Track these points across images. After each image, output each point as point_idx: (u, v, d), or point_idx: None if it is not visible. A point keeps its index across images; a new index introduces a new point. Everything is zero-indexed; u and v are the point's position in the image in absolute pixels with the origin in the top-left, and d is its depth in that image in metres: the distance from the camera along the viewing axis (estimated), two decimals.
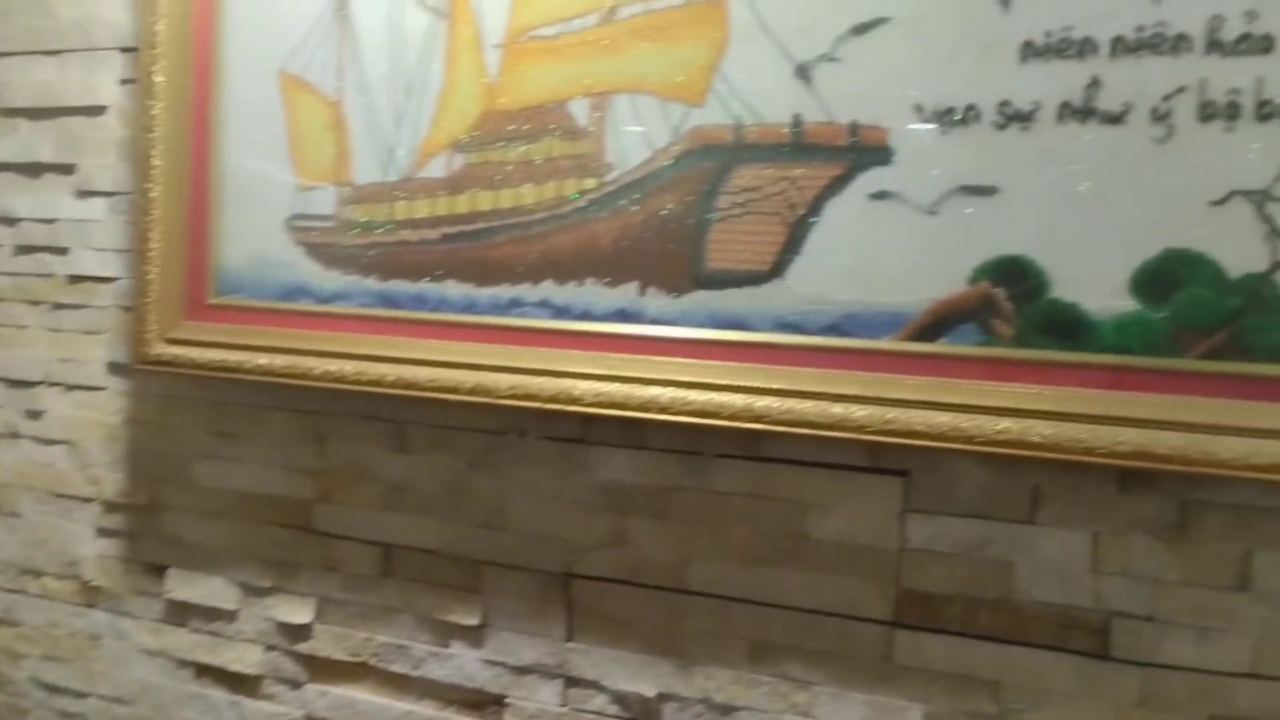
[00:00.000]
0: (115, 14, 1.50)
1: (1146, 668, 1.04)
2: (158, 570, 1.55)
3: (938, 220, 1.06)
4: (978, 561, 1.10)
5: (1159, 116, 0.97)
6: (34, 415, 1.61)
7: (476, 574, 1.34)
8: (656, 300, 1.18)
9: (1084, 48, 0.99)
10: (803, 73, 1.10)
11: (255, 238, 1.39)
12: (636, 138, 1.18)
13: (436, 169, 1.29)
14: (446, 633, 1.37)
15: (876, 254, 1.08)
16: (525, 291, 1.25)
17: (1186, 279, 0.97)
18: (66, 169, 1.55)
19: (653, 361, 1.18)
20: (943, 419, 1.05)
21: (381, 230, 1.33)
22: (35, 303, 1.59)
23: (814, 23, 1.09)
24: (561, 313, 1.23)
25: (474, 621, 1.34)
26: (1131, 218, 0.99)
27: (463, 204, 1.28)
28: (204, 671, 1.53)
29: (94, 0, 1.51)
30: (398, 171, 1.31)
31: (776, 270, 1.13)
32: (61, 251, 1.56)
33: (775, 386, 1.12)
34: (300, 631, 1.46)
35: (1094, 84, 0.99)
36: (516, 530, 1.32)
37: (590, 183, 1.21)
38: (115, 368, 1.55)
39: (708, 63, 1.14)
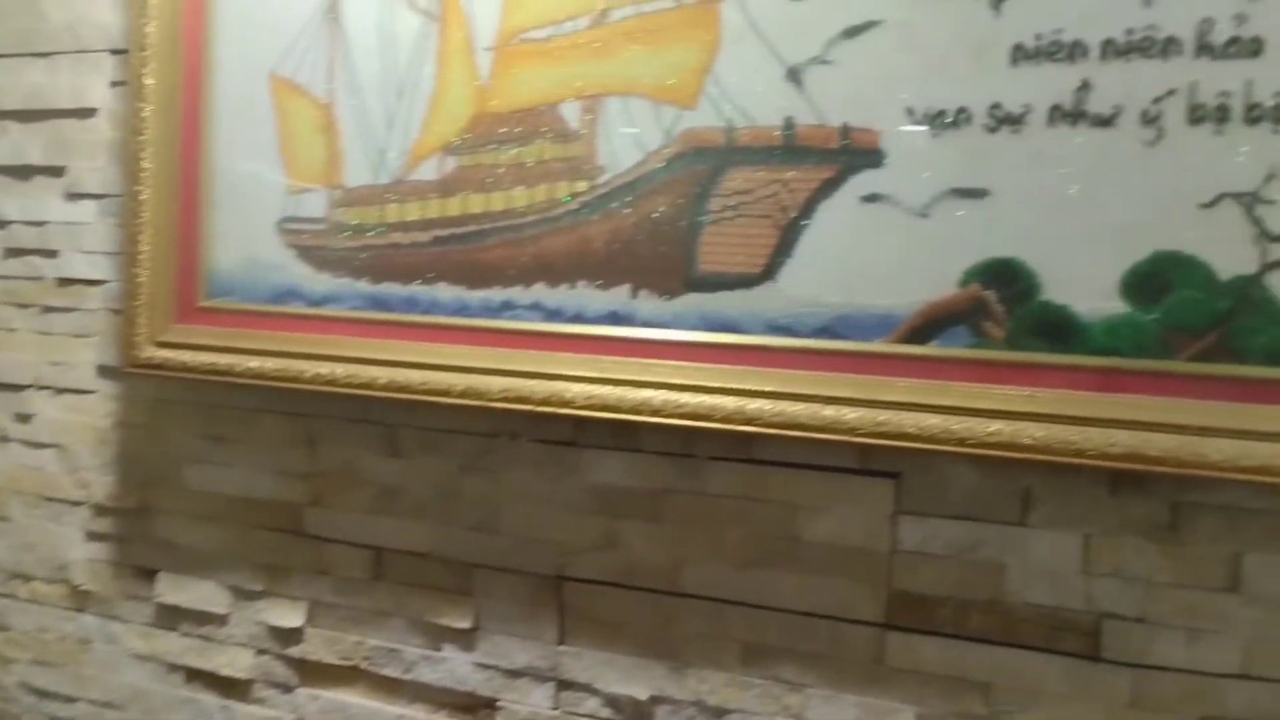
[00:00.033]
0: (105, 16, 1.49)
1: (1137, 669, 1.04)
2: (148, 574, 1.54)
3: (929, 223, 1.06)
4: (969, 563, 1.10)
5: (1149, 119, 0.97)
6: (23, 419, 1.60)
7: (468, 577, 1.34)
8: (648, 303, 1.18)
9: (1074, 51, 0.99)
10: (794, 75, 1.10)
11: (246, 240, 1.39)
12: (628, 140, 1.18)
13: (428, 171, 1.29)
14: (438, 636, 1.37)
15: (868, 256, 1.08)
16: (517, 294, 1.25)
17: (1177, 281, 0.97)
18: (56, 171, 1.54)
19: (645, 364, 1.17)
20: (934, 421, 1.05)
21: (373, 233, 1.32)
22: (24, 306, 1.58)
23: (805, 25, 1.09)
24: (553, 315, 1.23)
25: (466, 625, 1.34)
26: (1122, 220, 0.99)
27: (454, 206, 1.28)
28: (195, 676, 1.52)
29: (84, 2, 1.51)
30: (389, 174, 1.31)
31: (768, 273, 1.13)
32: (51, 254, 1.56)
33: (767, 389, 1.12)
34: (291, 635, 1.45)
35: (1084, 87, 0.99)
36: (508, 533, 1.31)
37: (582, 185, 1.21)
38: (105, 371, 1.54)
39: (699, 65, 1.14)
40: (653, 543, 1.24)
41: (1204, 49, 0.95)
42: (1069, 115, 1.00)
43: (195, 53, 1.39)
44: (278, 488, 1.44)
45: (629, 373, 1.18)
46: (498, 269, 1.25)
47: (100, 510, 1.56)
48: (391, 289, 1.31)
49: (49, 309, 1.57)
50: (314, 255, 1.36)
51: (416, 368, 1.28)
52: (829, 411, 1.09)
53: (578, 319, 1.22)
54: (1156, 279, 0.98)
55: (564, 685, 1.30)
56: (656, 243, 1.17)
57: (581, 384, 1.20)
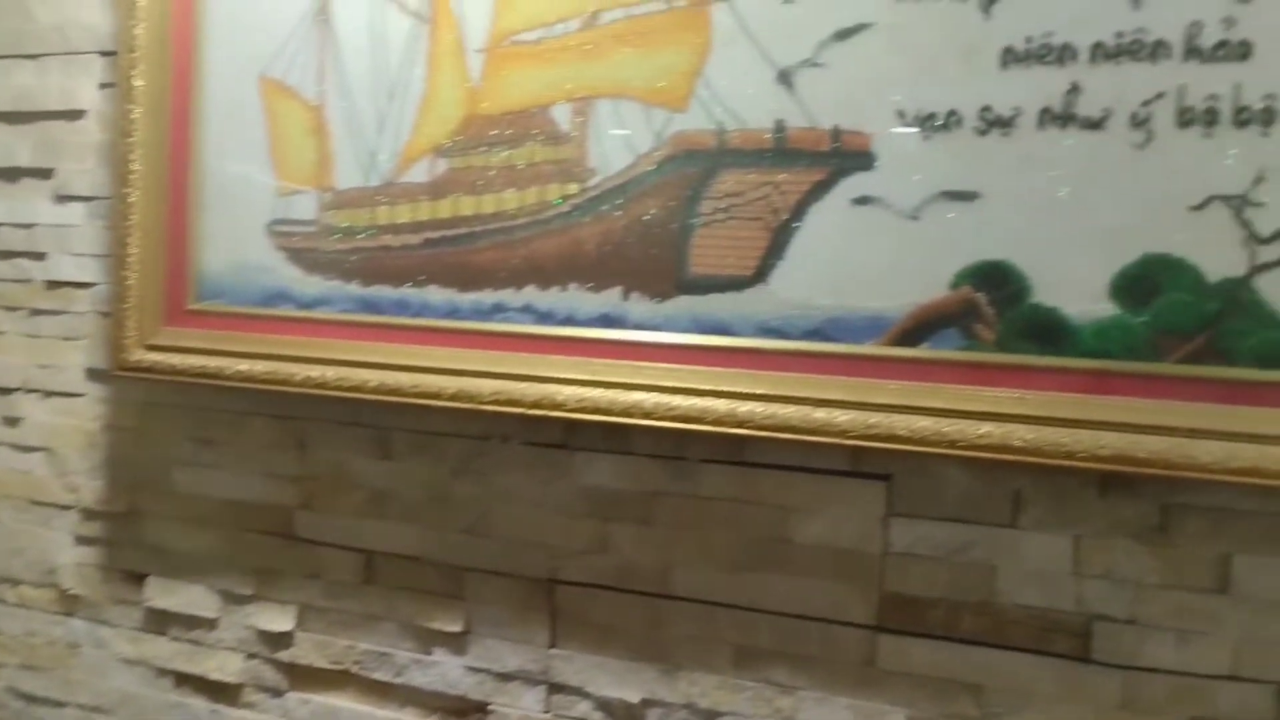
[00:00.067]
0: (94, 18, 1.48)
1: (1128, 670, 1.05)
2: (137, 578, 1.53)
3: (920, 225, 1.06)
4: (960, 565, 1.10)
5: (1138, 122, 0.98)
6: (11, 422, 1.59)
7: (459, 580, 1.34)
8: (640, 305, 1.18)
9: (1064, 54, 1.00)
10: (785, 78, 1.10)
11: (236, 243, 1.38)
12: (619, 143, 1.18)
13: (418, 174, 1.29)
14: (429, 640, 1.36)
15: (859, 259, 1.09)
16: (508, 297, 1.24)
17: (1166, 284, 0.98)
18: (45, 173, 1.54)
19: (636, 367, 1.17)
20: (925, 423, 1.05)
21: (363, 235, 1.32)
22: (12, 308, 1.57)
23: (796, 28, 1.09)
24: (545, 318, 1.23)
25: (457, 628, 1.34)
26: (1111, 223, 0.99)
27: (445, 209, 1.27)
28: (184, 680, 1.51)
29: (73, 4, 1.50)
30: (379, 176, 1.31)
31: (760, 275, 1.13)
32: (39, 257, 1.55)
33: (758, 391, 1.12)
34: (281, 639, 1.44)
35: (1074, 90, 1.00)
36: (499, 536, 1.31)
37: (573, 188, 1.21)
38: (94, 374, 1.53)
39: (690, 68, 1.14)
40: (644, 545, 1.24)
41: (1192, 52, 0.96)
42: (1059, 118, 1.00)
43: (185, 55, 1.39)
44: (268, 491, 1.44)
45: (620, 375, 1.18)
46: (489, 271, 1.25)
47: (89, 514, 1.56)
48: (382, 291, 1.31)
49: (37, 311, 1.56)
50: (304, 258, 1.35)
51: (407, 370, 1.27)
52: (820, 414, 1.09)
53: (569, 321, 1.22)
54: (1146, 281, 0.98)
55: (555, 689, 1.30)
56: (648, 245, 1.17)
57: (573, 387, 1.19)
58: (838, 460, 1.14)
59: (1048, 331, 1.02)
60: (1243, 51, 0.95)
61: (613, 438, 1.23)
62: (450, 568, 1.34)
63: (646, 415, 1.16)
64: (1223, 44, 0.95)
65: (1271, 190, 0.94)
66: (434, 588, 1.35)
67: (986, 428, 1.03)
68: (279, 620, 1.44)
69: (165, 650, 1.52)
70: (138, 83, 1.39)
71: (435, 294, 1.28)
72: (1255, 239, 0.95)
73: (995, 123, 1.03)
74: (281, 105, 1.35)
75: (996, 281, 1.04)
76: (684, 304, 1.16)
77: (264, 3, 1.35)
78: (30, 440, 1.58)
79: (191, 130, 1.39)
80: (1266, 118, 0.94)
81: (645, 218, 1.17)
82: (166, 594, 1.51)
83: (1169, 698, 1.03)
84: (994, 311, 1.04)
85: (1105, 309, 1.00)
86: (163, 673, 1.52)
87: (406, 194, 1.29)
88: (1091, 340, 1.00)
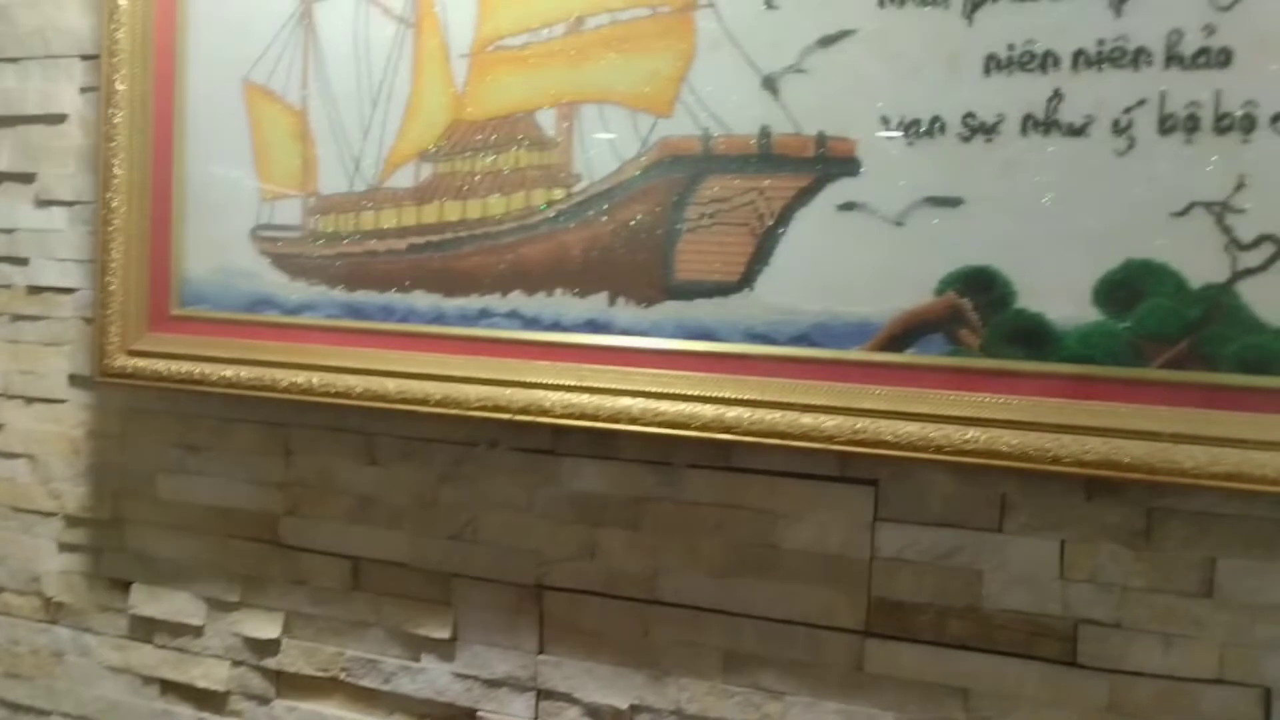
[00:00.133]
0: (76, 21, 1.47)
1: (1114, 674, 1.05)
2: (122, 585, 1.52)
3: (904, 231, 1.06)
4: (947, 570, 1.11)
5: (1120, 129, 0.98)
6: None
7: (447, 587, 1.33)
8: (626, 311, 1.18)
9: (1046, 61, 1.00)
10: (770, 84, 1.10)
11: (219, 248, 1.37)
12: (604, 148, 1.18)
13: (403, 179, 1.28)
14: (417, 646, 1.36)
15: (844, 264, 1.09)
16: (494, 302, 1.24)
17: (1148, 289, 0.98)
18: (26, 178, 1.52)
19: (623, 372, 1.17)
20: (911, 429, 1.05)
21: (348, 240, 1.31)
22: None
23: (780, 35, 1.09)
24: (531, 323, 1.23)
25: (445, 635, 1.33)
26: (1094, 229, 1.00)
27: (430, 214, 1.27)
28: (170, 688, 1.50)
29: (54, 7, 1.49)
30: (364, 181, 1.30)
31: (745, 281, 1.13)
32: (21, 262, 1.54)
33: (745, 397, 1.12)
34: (268, 646, 1.44)
35: (1056, 97, 1.00)
36: (487, 542, 1.31)
37: (558, 193, 1.20)
38: (77, 380, 1.52)
39: (675, 73, 1.14)
40: (632, 551, 1.24)
41: (1174, 59, 0.96)
42: (1041, 125, 1.01)
43: (167, 59, 1.38)
44: (253, 497, 1.43)
45: (607, 381, 1.18)
46: (475, 277, 1.25)
47: (73, 521, 1.54)
48: (367, 297, 1.31)
49: (19, 317, 1.55)
50: (288, 263, 1.35)
51: (393, 376, 1.27)
52: (807, 419, 1.09)
53: (555, 327, 1.21)
54: (1129, 287, 0.99)
55: (544, 695, 1.29)
56: (634, 251, 1.17)
57: (559, 392, 1.19)
58: (825, 465, 1.14)
59: (1032, 337, 1.02)
60: (1223, 59, 0.95)
61: (600, 443, 1.23)
62: (437, 574, 1.34)
63: (634, 421, 1.16)
64: (1203, 51, 0.96)
65: (1252, 196, 0.95)
66: (421, 594, 1.35)
67: (972, 433, 1.04)
68: (265, 627, 1.43)
69: (151, 658, 1.51)
70: (120, 87, 1.38)
71: (421, 299, 1.28)
72: (1237, 245, 0.96)
73: (979, 129, 1.03)
74: (265, 110, 1.35)
75: (981, 287, 1.04)
76: (670, 309, 1.16)
77: (246, 7, 1.34)
78: (13, 447, 1.57)
79: (174, 135, 1.38)
80: (1247, 124, 0.95)
81: (631, 223, 1.17)
82: (152, 601, 1.50)
83: (1155, 701, 1.04)
84: (979, 317, 1.04)
85: (1089, 314, 1.00)
86: (148, 681, 1.51)
87: (391, 199, 1.29)
88: (1075, 345, 1.01)
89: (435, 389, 1.24)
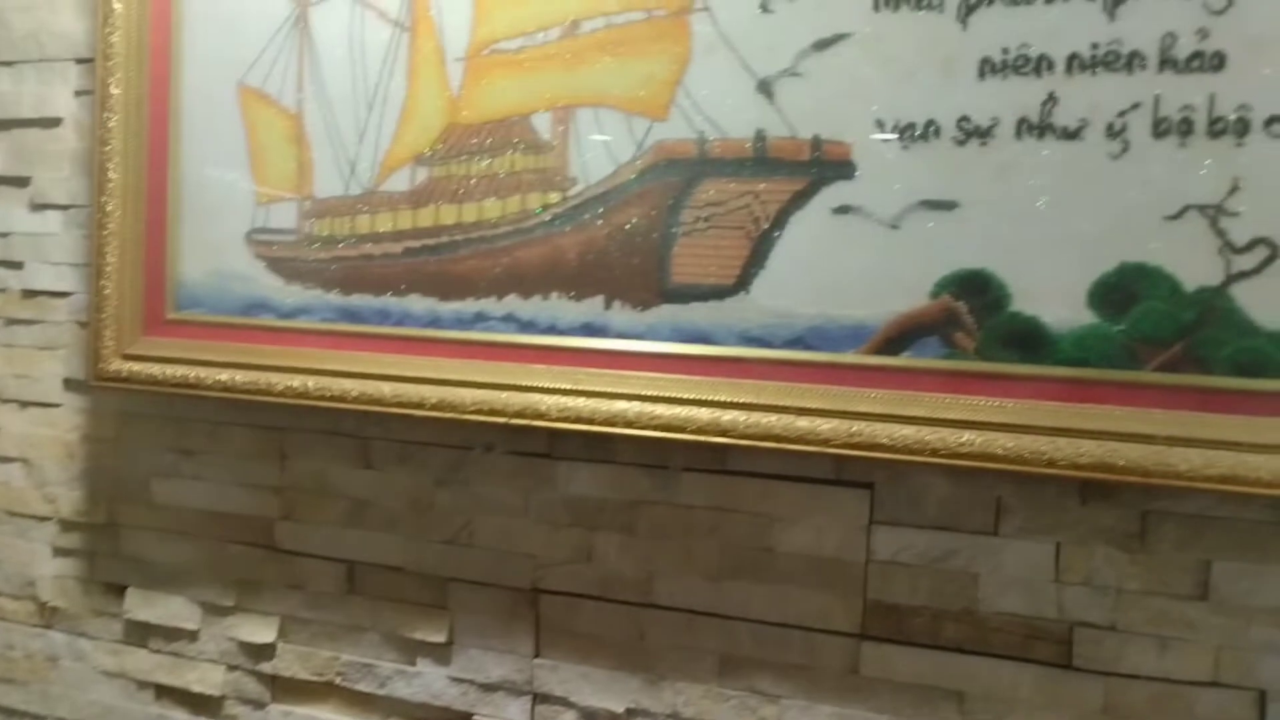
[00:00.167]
0: (70, 25, 1.47)
1: (1109, 677, 1.05)
2: (117, 590, 1.52)
3: (900, 234, 1.06)
4: (943, 573, 1.11)
5: (1114, 132, 0.98)
6: None
7: (443, 591, 1.33)
8: (622, 314, 1.18)
9: (1040, 65, 1.00)
10: (765, 87, 1.10)
11: (214, 252, 1.37)
12: (600, 151, 1.18)
13: (399, 182, 1.28)
14: (413, 650, 1.35)
15: (840, 268, 1.09)
16: (490, 306, 1.24)
17: (1143, 292, 0.98)
18: (21, 181, 1.52)
19: (619, 376, 1.17)
20: (906, 432, 1.06)
21: (344, 244, 1.31)
22: None
23: (775, 38, 1.09)
24: (527, 327, 1.23)
25: (440, 639, 1.33)
26: (1089, 232, 1.00)
27: (426, 218, 1.27)
28: (165, 693, 1.50)
29: (48, 11, 1.49)
30: (360, 185, 1.30)
31: (741, 284, 1.13)
32: (16, 265, 1.53)
33: (741, 400, 1.12)
34: (263, 651, 1.43)
35: (1051, 100, 1.00)
36: (483, 546, 1.31)
37: (554, 196, 1.20)
38: (71, 384, 1.52)
39: (670, 77, 1.14)
40: (628, 555, 1.24)
41: (1167, 63, 0.97)
42: (1036, 128, 1.01)
43: (162, 62, 1.37)
44: (248, 501, 1.43)
45: (603, 384, 1.18)
46: (470, 280, 1.25)
47: (67, 525, 1.54)
48: (363, 301, 1.30)
49: (13, 321, 1.54)
50: (284, 267, 1.34)
51: (389, 380, 1.27)
52: (802, 423, 1.09)
53: (551, 331, 1.21)
54: (1123, 290, 0.99)
55: (540, 699, 1.29)
56: (629, 254, 1.17)
57: (555, 396, 1.19)
58: (820, 469, 1.14)
59: (1027, 340, 1.02)
60: (1217, 62, 0.95)
61: (596, 447, 1.23)
62: (433, 578, 1.33)
63: (629, 424, 1.16)
64: (1197, 55, 0.96)
65: (1246, 199, 0.95)
66: (417, 598, 1.34)
67: (967, 436, 1.04)
68: (261, 632, 1.43)
69: (146, 663, 1.51)
70: (114, 91, 1.38)
71: (416, 303, 1.28)
72: (1231, 248, 0.96)
73: (973, 133, 1.03)
74: (260, 113, 1.35)
75: (976, 290, 1.04)
76: (666, 313, 1.16)
77: (242, 11, 1.34)
78: (7, 451, 1.57)
79: (169, 138, 1.38)
80: (1240, 128, 0.95)
81: (627, 226, 1.17)
82: (147, 606, 1.50)
83: (1150, 704, 1.04)
84: (974, 320, 1.04)
85: (1083, 317, 1.00)
86: (143, 685, 1.51)
87: (387, 203, 1.29)
88: (1070, 349, 1.01)
89: (431, 393, 1.24)
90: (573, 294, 1.20)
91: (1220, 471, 0.95)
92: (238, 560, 1.44)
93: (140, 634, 1.51)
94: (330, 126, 1.31)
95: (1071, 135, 1.00)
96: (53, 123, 1.49)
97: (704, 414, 1.13)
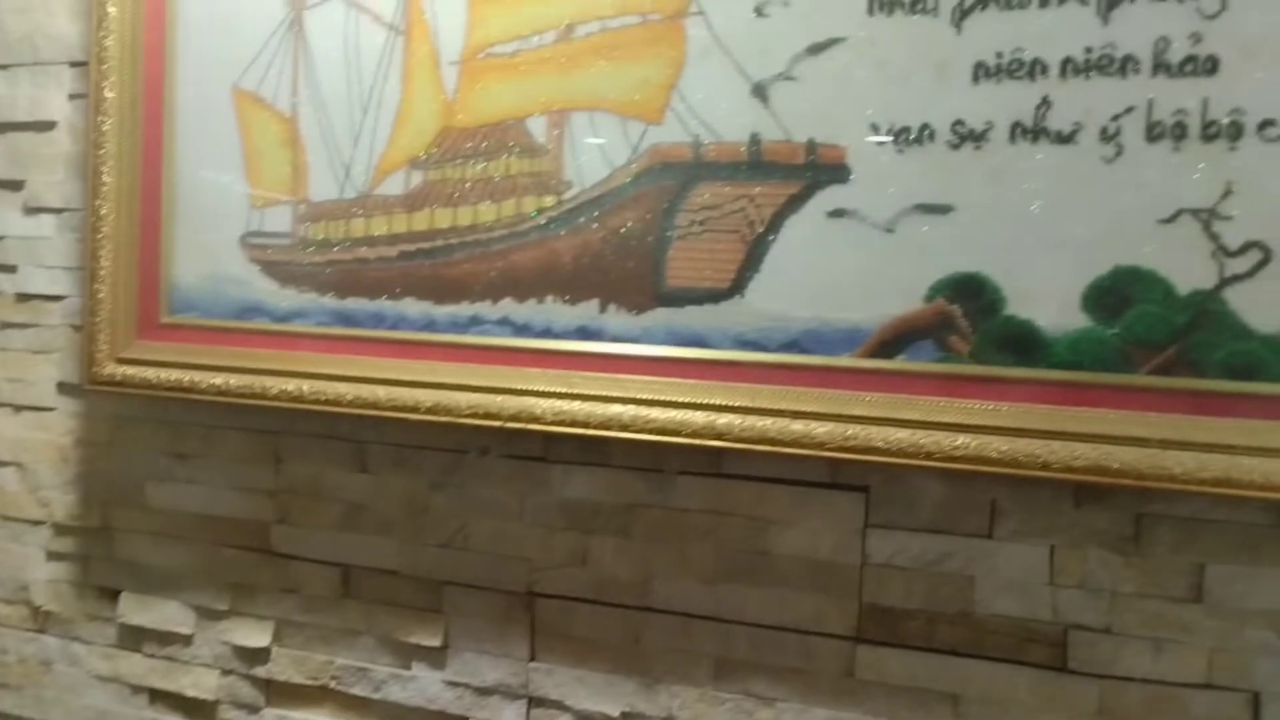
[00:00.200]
0: (65, 28, 1.47)
1: (1104, 679, 1.05)
2: (110, 594, 1.51)
3: (894, 238, 1.07)
4: (937, 576, 1.11)
5: (1108, 136, 0.99)
6: None
7: (438, 594, 1.33)
8: (617, 318, 1.18)
9: (1034, 69, 1.01)
10: (760, 91, 1.10)
11: (209, 256, 1.37)
12: (595, 155, 1.18)
13: (394, 186, 1.28)
14: (408, 654, 1.35)
15: (834, 271, 1.09)
16: (485, 309, 1.24)
17: (1137, 296, 0.99)
18: (15, 185, 1.52)
19: (614, 379, 1.17)
20: (901, 435, 1.06)
21: (338, 248, 1.31)
22: None
23: (770, 42, 1.10)
24: (522, 330, 1.23)
25: (436, 642, 1.33)
26: (1083, 235, 1.00)
27: (421, 221, 1.27)
28: (159, 697, 1.49)
29: (43, 14, 1.48)
30: (355, 188, 1.30)
31: (736, 288, 1.13)
32: (10, 269, 1.53)
33: (736, 404, 1.12)
34: (258, 655, 1.43)
35: (1044, 104, 1.01)
36: (478, 550, 1.31)
37: (549, 200, 1.20)
38: (65, 388, 1.51)
39: (665, 81, 1.14)
40: (623, 558, 1.24)
41: (1161, 67, 0.97)
42: (1030, 132, 1.01)
43: (156, 66, 1.37)
44: (243, 505, 1.42)
45: (598, 388, 1.17)
46: (465, 284, 1.25)
47: (61, 529, 1.54)
48: (358, 304, 1.30)
49: (7, 325, 1.54)
50: (278, 270, 1.34)
51: (384, 384, 1.27)
52: (797, 426, 1.09)
53: (546, 334, 1.21)
54: (1117, 293, 0.99)
55: (535, 702, 1.29)
56: (625, 258, 1.17)
57: (550, 399, 1.19)
58: (816, 472, 1.14)
59: (1021, 343, 1.03)
60: (1210, 66, 0.96)
61: (591, 450, 1.23)
62: (428, 581, 1.33)
63: (625, 428, 1.16)
64: (1190, 59, 0.96)
65: (1239, 203, 0.95)
66: (412, 602, 1.34)
67: (962, 439, 1.04)
68: (255, 636, 1.43)
69: (140, 667, 1.50)
70: (108, 94, 1.38)
71: (412, 307, 1.27)
72: (1224, 251, 0.96)
73: (968, 136, 1.03)
74: (254, 117, 1.34)
75: (971, 294, 1.04)
76: (661, 316, 1.16)
77: (236, 14, 1.34)
78: (1, 455, 1.56)
79: (164, 142, 1.38)
80: (1234, 132, 0.95)
81: (622, 230, 1.17)
82: (140, 610, 1.49)
83: (1144, 706, 1.04)
84: (968, 323, 1.04)
85: (1078, 321, 1.00)
86: (137, 690, 1.51)
87: (382, 206, 1.29)
88: (1064, 352, 1.01)
89: (426, 396, 1.24)
90: (568, 297, 1.20)
91: (1214, 474, 0.96)
92: (232, 564, 1.43)
93: (134, 638, 1.50)
94: (325, 130, 1.31)
95: (1065, 139, 1.00)
96: (47, 126, 1.49)
97: (699, 417, 1.13)
